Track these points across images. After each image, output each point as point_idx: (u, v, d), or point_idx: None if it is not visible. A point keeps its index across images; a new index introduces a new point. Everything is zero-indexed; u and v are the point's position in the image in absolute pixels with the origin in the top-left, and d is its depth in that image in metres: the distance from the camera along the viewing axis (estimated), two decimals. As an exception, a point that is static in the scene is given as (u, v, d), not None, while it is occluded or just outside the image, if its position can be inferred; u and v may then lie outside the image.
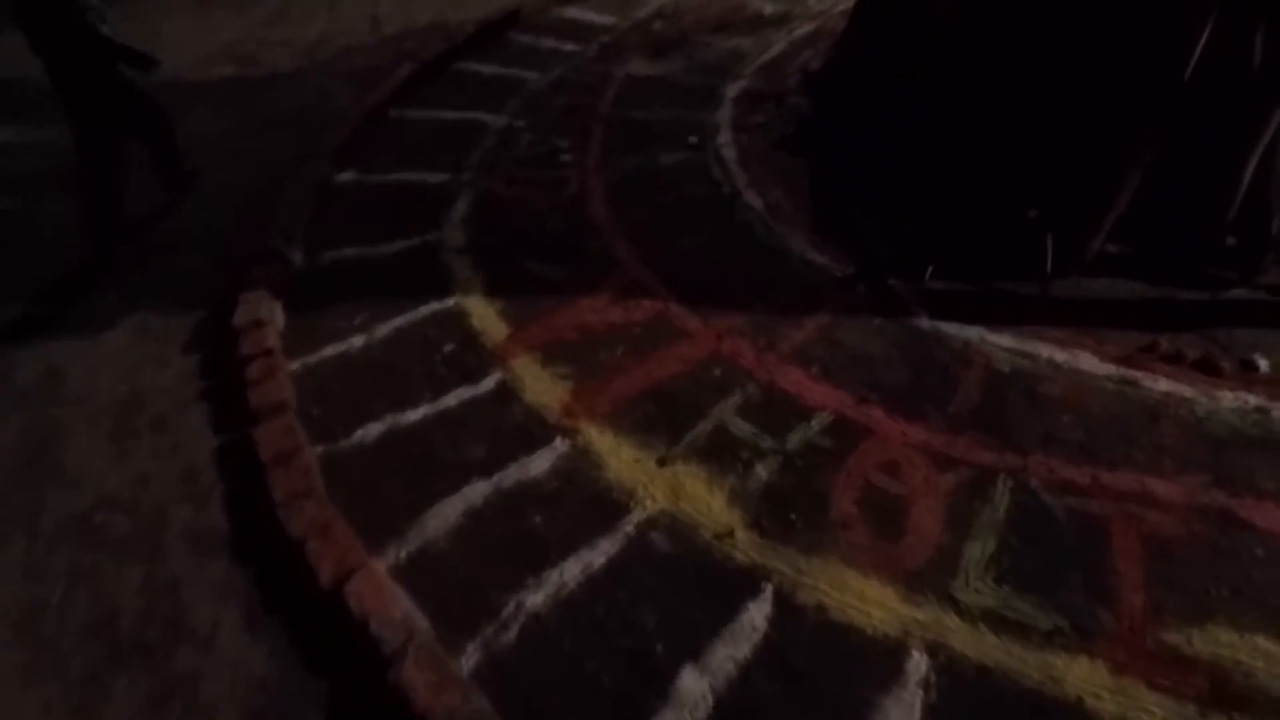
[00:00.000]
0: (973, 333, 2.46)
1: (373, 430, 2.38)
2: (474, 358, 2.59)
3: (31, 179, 4.13)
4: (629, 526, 2.01)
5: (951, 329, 2.48)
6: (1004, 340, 2.43)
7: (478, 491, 2.14)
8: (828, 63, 3.83)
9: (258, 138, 4.18)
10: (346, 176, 3.68)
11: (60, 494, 2.34)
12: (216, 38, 5.52)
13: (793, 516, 1.99)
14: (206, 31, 5.73)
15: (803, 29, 4.42)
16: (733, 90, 3.96)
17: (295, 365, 2.64)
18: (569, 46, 4.66)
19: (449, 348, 2.64)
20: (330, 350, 2.71)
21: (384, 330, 2.76)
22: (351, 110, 4.12)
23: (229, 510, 2.22)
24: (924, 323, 2.52)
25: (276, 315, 2.82)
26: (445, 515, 2.09)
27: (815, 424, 2.22)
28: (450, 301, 2.84)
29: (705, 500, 2.06)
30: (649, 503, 2.06)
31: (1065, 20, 2.48)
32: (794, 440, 2.18)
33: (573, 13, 5.05)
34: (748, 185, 3.23)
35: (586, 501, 2.09)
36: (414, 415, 2.41)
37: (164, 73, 5.21)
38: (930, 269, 2.64)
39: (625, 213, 3.17)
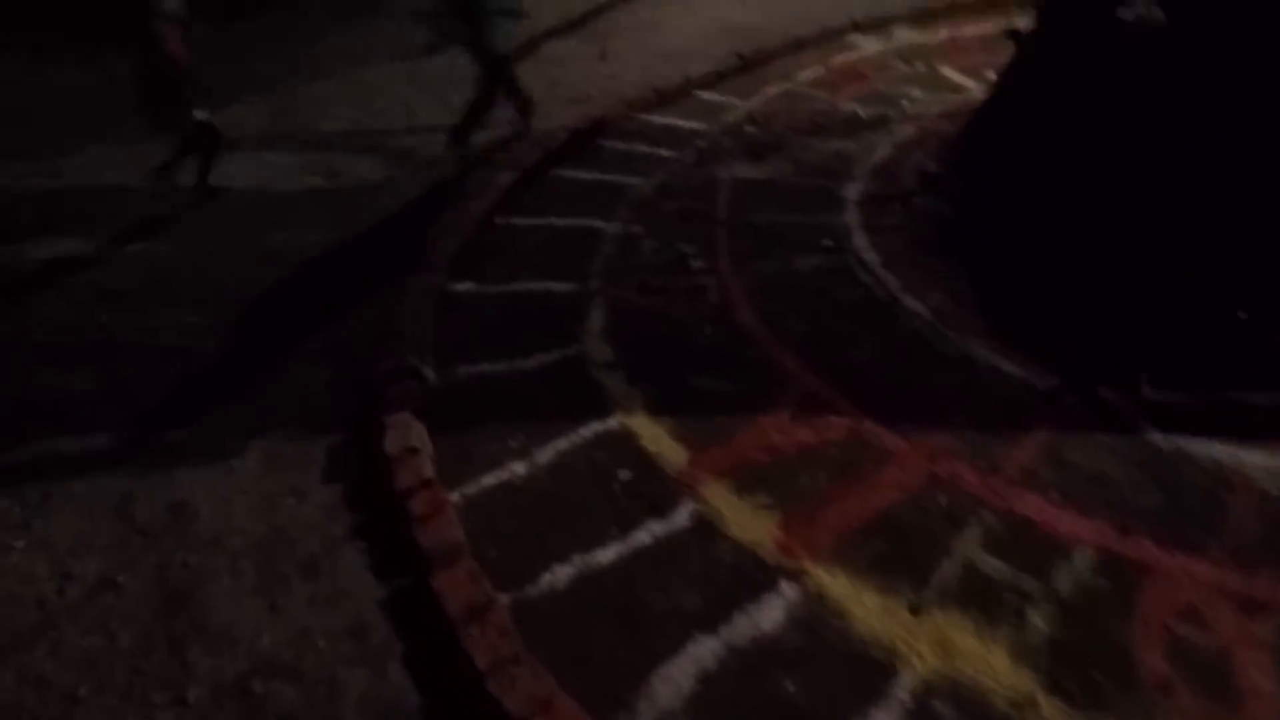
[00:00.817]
0: (1220, 450, 2.23)
1: (562, 574, 2.11)
2: (657, 486, 2.35)
3: (130, 293, 4.01)
4: (902, 693, 1.72)
5: (1194, 446, 2.26)
6: (1258, 458, 2.20)
7: (706, 650, 1.86)
8: (954, 163, 3.78)
9: (357, 248, 4.10)
10: (465, 287, 3.55)
11: (209, 656, 2.05)
12: (298, 152, 5.58)
13: (1096, 677, 1.70)
14: (287, 142, 5.81)
15: (904, 132, 4.42)
16: (851, 193, 3.89)
17: (455, 496, 2.41)
18: (664, 152, 4.65)
19: (625, 475, 2.41)
20: (490, 479, 2.47)
21: (546, 455, 2.54)
22: (457, 219, 4.04)
23: (413, 675, 1.93)
24: (1158, 439, 2.30)
25: (425, 440, 2.60)
26: (676, 681, 1.80)
27: (1079, 561, 1.96)
28: (613, 422, 2.63)
29: (983, 658, 1.77)
30: (916, 662, 1.78)
31: (1270, 111, 2.39)
32: (1063, 582, 1.92)
33: (659, 119, 5.09)
34: (902, 289, 3.09)
35: (841, 661, 1.80)
36: (605, 555, 2.15)
37: (248, 182, 5.28)
38: (1147, 378, 2.44)
39: (778, 320, 3.00)
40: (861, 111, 4.75)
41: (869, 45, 5.70)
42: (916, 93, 4.85)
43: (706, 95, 5.35)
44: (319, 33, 10.03)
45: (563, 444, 2.57)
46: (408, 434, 2.56)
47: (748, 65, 5.63)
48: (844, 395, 2.59)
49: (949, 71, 5.08)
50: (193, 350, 3.51)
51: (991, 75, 4.91)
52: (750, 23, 6.58)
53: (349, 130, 5.75)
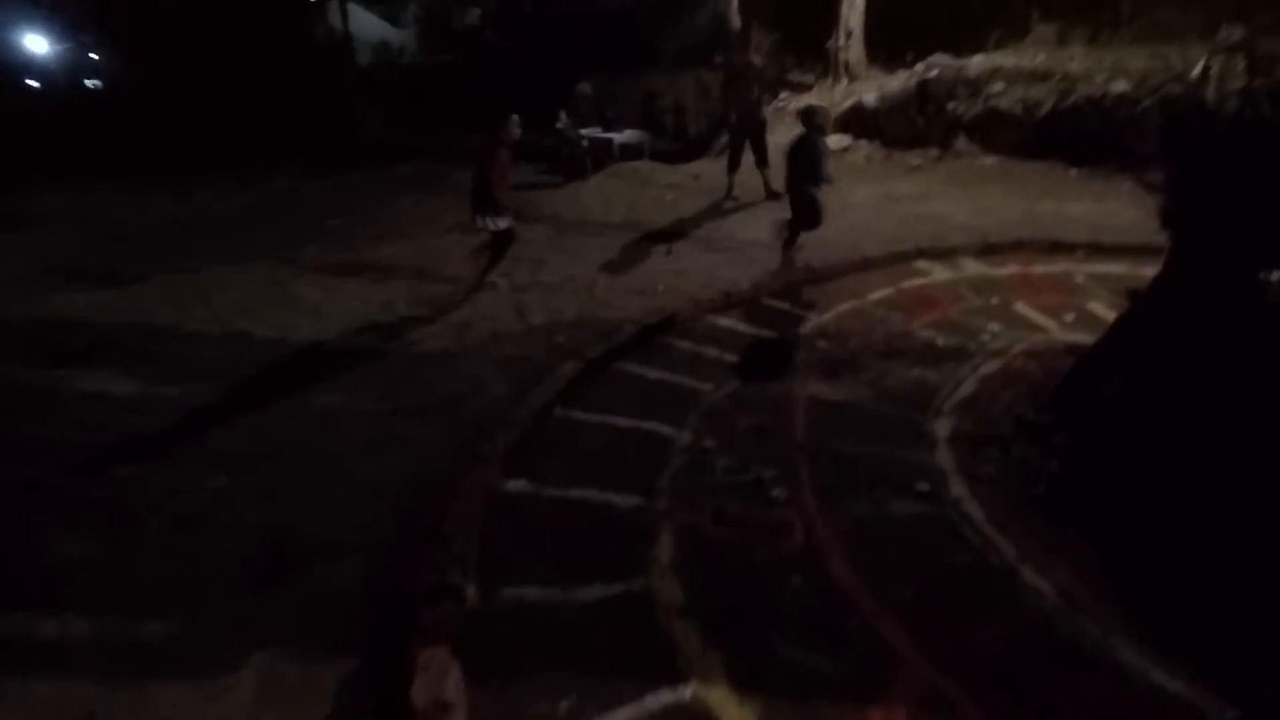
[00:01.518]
0: None
1: None
2: (746, 800, 1.87)
3: (158, 442, 3.75)
4: None
5: None
6: None
7: None
8: (1055, 412, 3.53)
9: (408, 424, 3.85)
10: (519, 486, 3.24)
11: None
12: (356, 307, 5.57)
13: None
14: (340, 296, 5.82)
15: (987, 367, 4.24)
16: (940, 429, 3.63)
17: (490, 779, 1.93)
18: (733, 358, 4.51)
19: (705, 776, 1.93)
20: (536, 757, 2.00)
21: (605, 730, 2.07)
22: (516, 408, 3.82)
23: None
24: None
25: (461, 691, 2.15)
26: None
27: None
28: (686, 692, 2.18)
29: None
30: None
31: None
32: None
33: (726, 322, 5.02)
34: (1019, 558, 2.71)
35: None
36: None
37: (305, 335, 5.20)
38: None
39: (879, 580, 2.61)
40: (939, 340, 4.62)
41: (938, 273, 5.73)
42: (994, 326, 4.73)
43: (776, 304, 5.31)
44: (395, 196, 10.66)
45: (623, 716, 2.11)
46: (441, 682, 2.12)
47: (817, 279, 5.66)
48: (972, 698, 2.13)
49: (1024, 308, 5.01)
50: (212, 519, 3.18)
51: (1069, 317, 4.84)
52: (814, 234, 6.74)
53: (411, 295, 5.78)
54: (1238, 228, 2.90)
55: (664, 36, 15.42)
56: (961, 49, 10.76)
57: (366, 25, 23.62)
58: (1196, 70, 7.91)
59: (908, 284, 5.56)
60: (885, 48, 12.27)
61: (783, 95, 12.54)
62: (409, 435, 3.75)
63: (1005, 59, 10.05)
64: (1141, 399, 3.09)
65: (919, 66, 10.66)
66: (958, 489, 3.14)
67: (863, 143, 10.45)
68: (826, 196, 5.89)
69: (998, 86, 9.58)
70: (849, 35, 11.81)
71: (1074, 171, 8.59)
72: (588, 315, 5.20)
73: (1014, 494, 3.11)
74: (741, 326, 4.97)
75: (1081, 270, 5.68)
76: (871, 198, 7.99)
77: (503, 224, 5.72)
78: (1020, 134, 9.21)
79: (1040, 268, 5.74)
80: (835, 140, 10.35)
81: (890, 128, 10.29)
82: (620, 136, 12.18)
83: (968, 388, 4.04)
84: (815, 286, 5.58)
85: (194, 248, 7.79)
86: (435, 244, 7.16)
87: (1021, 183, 8.31)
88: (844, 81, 11.93)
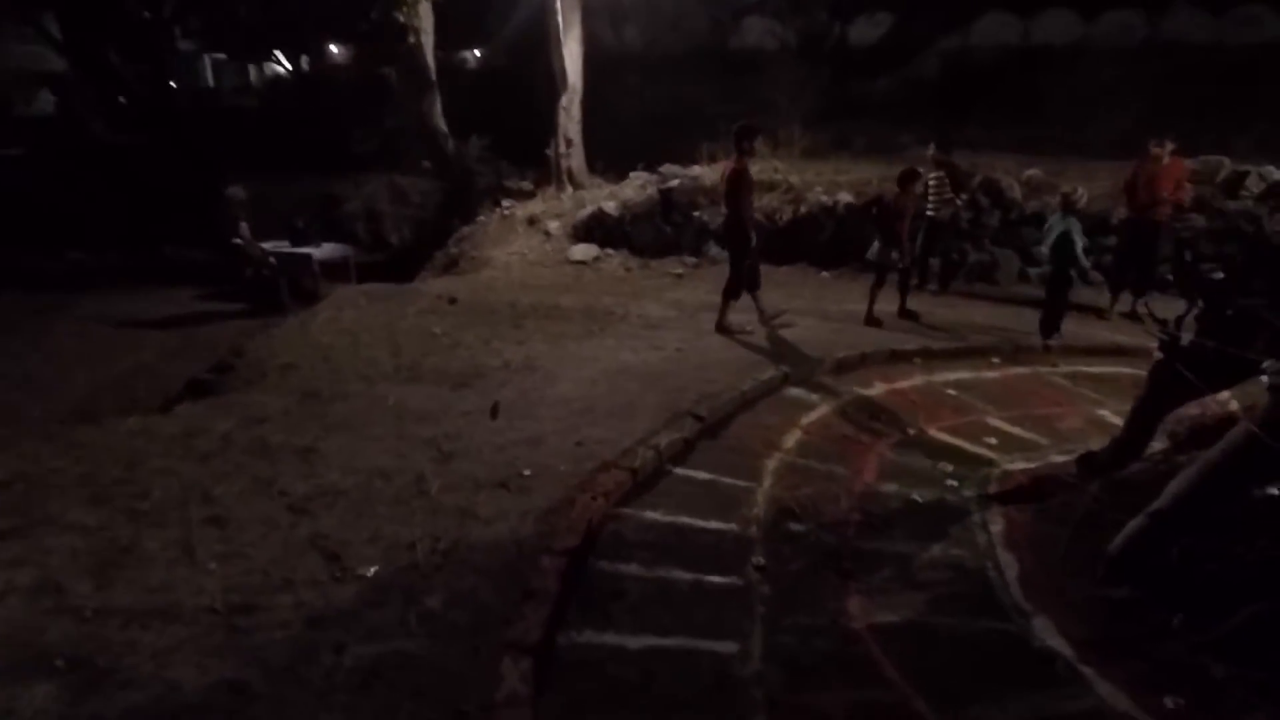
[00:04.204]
0: None
1: None
2: None
3: None
4: None
5: None
6: None
7: None
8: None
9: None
10: None
11: None
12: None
13: None
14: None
15: (996, 524, 3.54)
16: (1052, 639, 2.72)
17: None
18: (716, 579, 3.12)
19: None
20: None
21: None
22: None
23: None
24: None
25: None
26: None
27: None
28: None
29: None
30: None
31: None
32: None
33: (657, 515, 3.60)
34: None
35: None
36: None
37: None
38: None
39: None
40: (911, 494, 3.83)
41: (818, 401, 5.06)
42: (944, 465, 4.13)
43: (691, 474, 4.05)
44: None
45: None
46: None
47: (710, 428, 4.55)
48: None
49: (940, 435, 4.55)
50: None
51: (990, 440, 4.48)
52: (649, 365, 5.69)
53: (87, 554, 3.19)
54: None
55: (357, 138, 13.40)
56: (682, 161, 11.04)
57: None
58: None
59: (805, 419, 4.77)
60: (601, 158, 12.17)
61: (506, 203, 11.56)
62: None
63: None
64: None
65: (652, 176, 10.60)
66: None
67: (611, 252, 9.89)
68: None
69: (734, 196, 9.84)
70: (569, 144, 11.42)
71: (825, 274, 9.05)
72: (448, 541, 3.32)
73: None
74: (682, 519, 3.58)
75: (935, 379, 5.53)
76: (672, 314, 7.26)
77: None
78: (765, 240, 9.50)
79: (903, 382, 5.46)
80: (584, 250, 9.66)
81: (638, 236, 9.92)
82: (320, 252, 9.88)
83: (1010, 563, 3.24)
84: (714, 439, 4.47)
85: None
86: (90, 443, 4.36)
87: (788, 288, 8.40)
88: (569, 190, 11.43)
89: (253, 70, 24.03)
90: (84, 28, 14.97)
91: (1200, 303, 3.28)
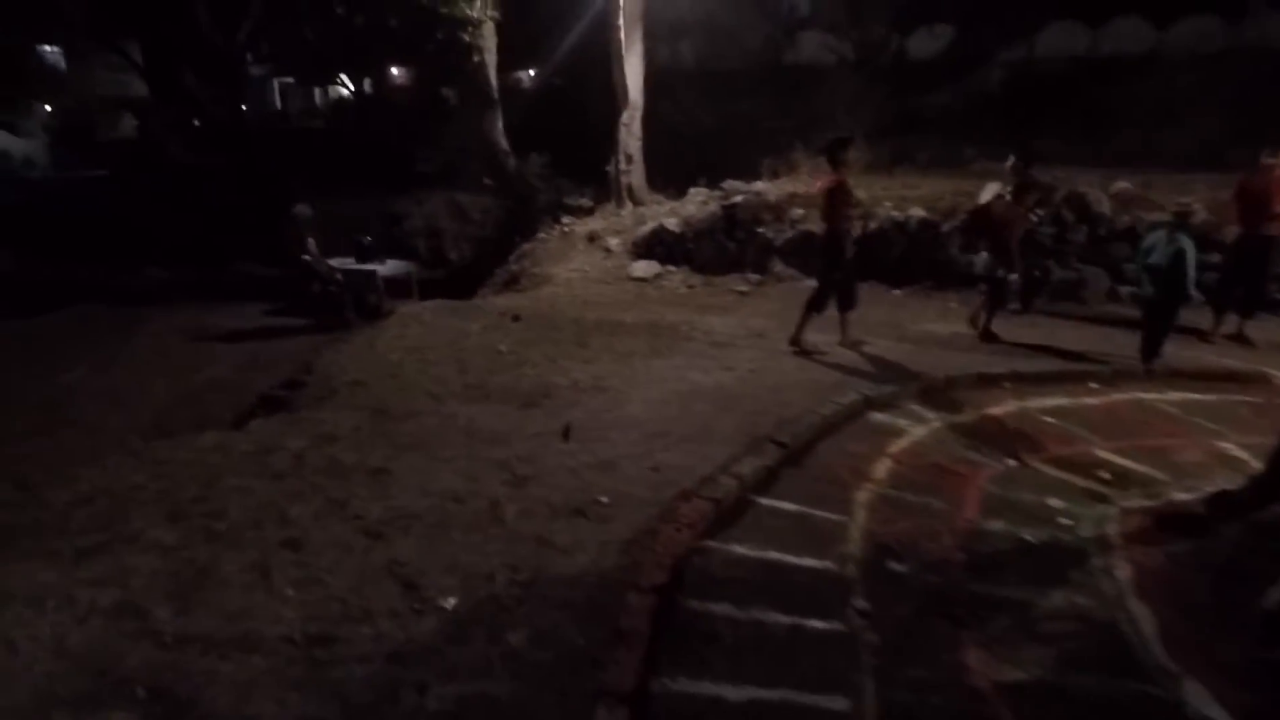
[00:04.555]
0: None
1: None
2: None
3: None
4: None
5: None
6: None
7: None
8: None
9: None
10: None
11: None
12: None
13: None
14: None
15: (1122, 569, 3.21)
16: (1206, 706, 2.40)
17: None
18: (818, 624, 2.89)
19: None
20: None
21: None
22: None
23: None
24: None
25: None
26: None
27: None
28: None
29: None
30: None
31: None
32: None
33: (746, 550, 3.39)
34: None
35: None
36: None
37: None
38: None
39: None
40: (1021, 531, 3.53)
41: (905, 427, 4.78)
42: (1053, 501, 3.81)
43: (777, 504, 3.81)
44: (53, 363, 7.18)
45: None
46: None
47: (792, 455, 4.31)
48: None
49: (1044, 467, 4.22)
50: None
51: (1102, 474, 4.12)
52: (722, 385, 5.49)
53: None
54: None
55: (419, 157, 13.62)
56: (740, 177, 10.85)
57: (-32, 132, 18.14)
58: (986, 195, 8.57)
59: (894, 447, 4.49)
60: (658, 174, 12.08)
61: (565, 219, 11.55)
62: None
63: (794, 185, 10.25)
64: None
65: (714, 192, 10.44)
66: None
67: (672, 269, 9.74)
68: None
69: (799, 211, 9.61)
70: (629, 160, 11.34)
71: (897, 292, 8.72)
72: (528, 571, 3.17)
73: None
74: (771, 555, 3.36)
75: (1030, 404, 5.17)
76: (740, 333, 7.04)
77: None
78: (833, 257, 9.21)
79: (995, 408, 5.12)
80: (645, 267, 9.52)
81: (700, 253, 9.75)
82: (384, 268, 9.99)
83: (1145, 615, 2.91)
84: (797, 467, 4.23)
85: None
86: (167, 460, 4.38)
87: (860, 307, 8.09)
88: (629, 206, 11.34)
89: (318, 93, 24.89)
90: (163, 54, 15.68)
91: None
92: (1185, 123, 12.26)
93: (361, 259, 10.07)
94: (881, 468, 4.21)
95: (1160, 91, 13.53)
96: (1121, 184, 8.20)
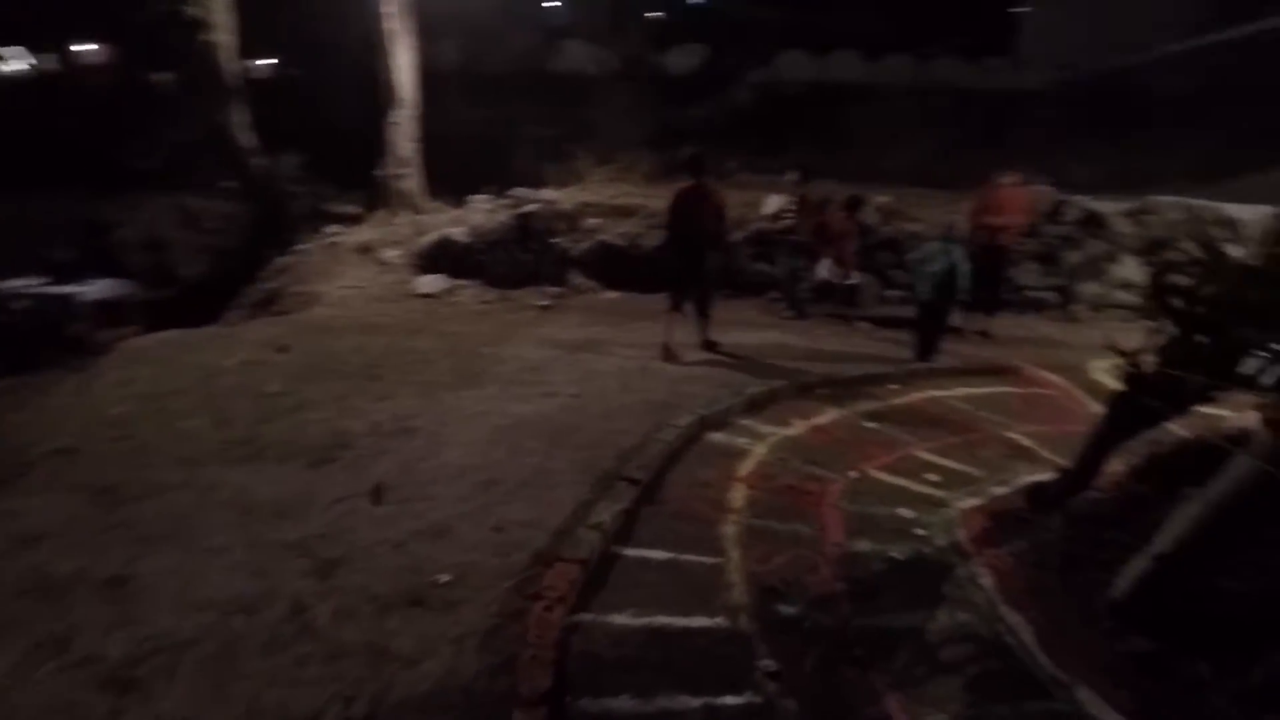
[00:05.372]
0: None
1: None
2: None
3: None
4: None
5: None
6: None
7: None
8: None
9: None
10: None
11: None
12: None
13: None
14: None
15: (984, 580, 3.27)
16: None
17: None
18: (731, 701, 2.51)
19: None
20: None
21: None
22: None
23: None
24: None
25: None
26: None
27: None
28: None
29: None
30: None
31: None
32: None
33: (627, 619, 2.92)
34: None
35: None
36: None
37: None
38: None
39: None
40: (892, 552, 3.49)
41: (744, 446, 4.65)
42: (904, 511, 3.86)
43: (645, 554, 3.40)
44: None
45: None
46: None
47: (646, 492, 3.94)
48: None
49: (881, 475, 4.31)
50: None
51: (931, 476, 4.31)
52: (547, 416, 5.00)
53: None
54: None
55: (134, 152, 11.17)
56: (513, 185, 10.31)
57: None
58: (769, 208, 8.99)
59: (741, 470, 4.31)
60: (431, 179, 11.13)
61: (330, 229, 10.16)
62: None
63: (584, 195, 9.99)
64: None
65: (501, 200, 9.81)
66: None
67: (464, 283, 8.96)
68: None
69: (594, 221, 9.37)
70: (403, 163, 10.30)
71: (696, 302, 8.79)
72: (365, 700, 2.43)
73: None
74: (656, 620, 2.93)
75: (847, 411, 5.35)
76: (551, 354, 6.55)
77: None
78: (630, 267, 9.09)
79: (818, 418, 5.21)
80: (432, 282, 8.68)
81: (493, 265, 9.09)
82: (92, 290, 7.97)
83: (1021, 624, 2.96)
84: (652, 505, 3.86)
85: None
86: None
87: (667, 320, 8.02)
88: (405, 214, 10.30)
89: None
90: None
91: (1170, 329, 3.25)
92: (902, 144, 14.12)
93: (60, 279, 7.90)
94: (738, 495, 3.99)
95: (879, 116, 15.48)
96: (884, 198, 9.08)
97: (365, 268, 9.28)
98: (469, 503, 3.76)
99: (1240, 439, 3.02)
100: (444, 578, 3.09)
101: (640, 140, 12.70)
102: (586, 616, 2.91)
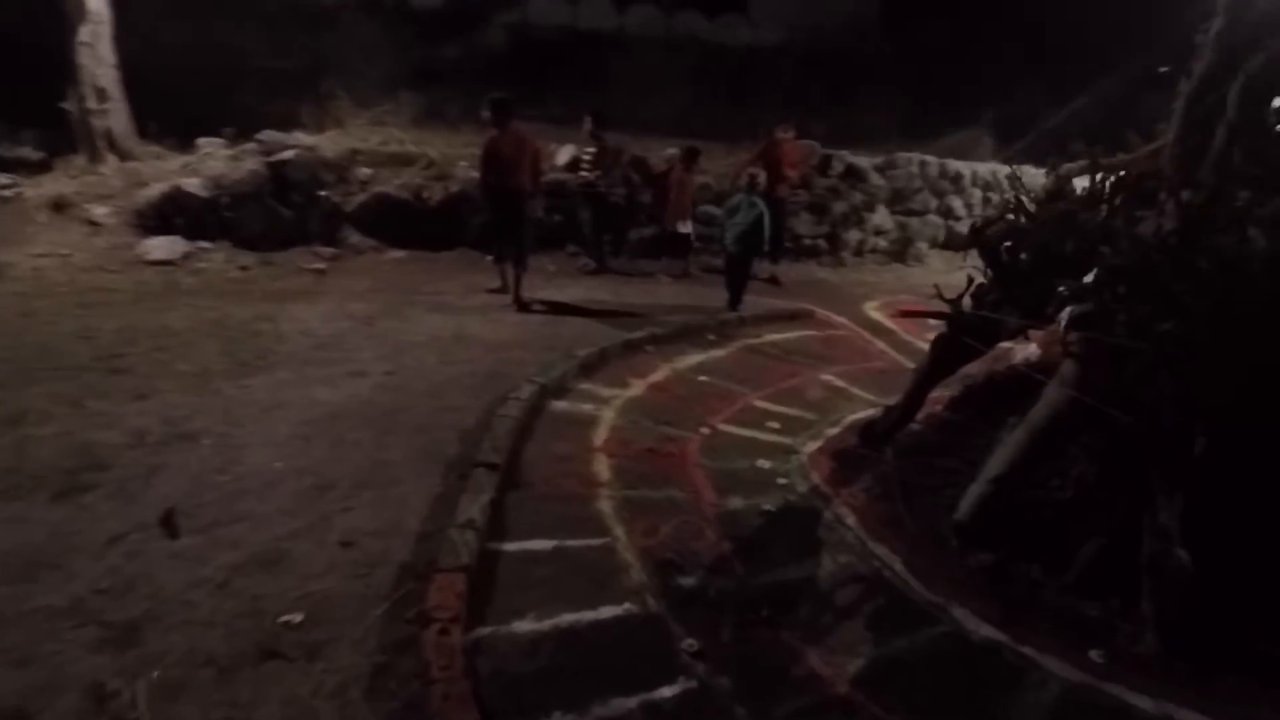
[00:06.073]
0: None
1: None
2: None
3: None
4: None
5: None
6: None
7: None
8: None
9: None
10: None
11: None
12: None
13: None
14: None
15: (848, 534, 3.47)
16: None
17: None
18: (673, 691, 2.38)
19: None
20: None
21: None
22: None
23: None
24: None
25: None
26: None
27: None
28: None
29: None
30: None
31: None
32: None
33: (527, 625, 2.63)
34: None
35: None
36: None
37: None
38: None
39: None
40: (764, 505, 3.57)
41: (592, 412, 4.46)
42: (763, 462, 3.97)
43: (526, 546, 3.09)
44: None
45: None
46: None
47: (507, 476, 3.60)
48: None
49: (733, 428, 4.40)
50: None
51: (772, 424, 4.50)
52: (364, 399, 4.40)
53: None
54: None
55: None
56: (241, 125, 8.72)
57: None
58: (563, 156, 8.66)
59: (597, 440, 4.14)
60: (141, 119, 9.07)
61: (5, 179, 7.88)
62: None
63: (349, 140, 8.80)
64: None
65: (245, 145, 8.29)
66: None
67: (208, 245, 7.50)
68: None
69: (366, 171, 8.33)
70: (103, 96, 8.24)
71: (491, 258, 8.26)
72: None
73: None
74: (563, 617, 2.68)
75: (678, 366, 5.41)
76: (345, 325, 5.74)
77: None
78: (416, 223, 8.27)
79: (653, 375, 5.19)
80: (166, 246, 7.22)
81: (245, 224, 7.72)
82: None
83: (889, 555, 3.20)
84: (515, 491, 3.55)
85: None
86: None
87: (466, 279, 7.45)
88: (111, 161, 8.32)
89: None
90: None
91: (988, 275, 3.63)
92: (657, 95, 14.43)
93: None
94: (602, 466, 3.82)
95: (634, 66, 15.66)
96: (672, 150, 9.20)
97: (67, 230, 7.33)
98: (298, 517, 3.14)
99: (1041, 368, 3.51)
100: (294, 617, 2.54)
101: (392, 81, 11.46)
102: (485, 631, 2.58)
